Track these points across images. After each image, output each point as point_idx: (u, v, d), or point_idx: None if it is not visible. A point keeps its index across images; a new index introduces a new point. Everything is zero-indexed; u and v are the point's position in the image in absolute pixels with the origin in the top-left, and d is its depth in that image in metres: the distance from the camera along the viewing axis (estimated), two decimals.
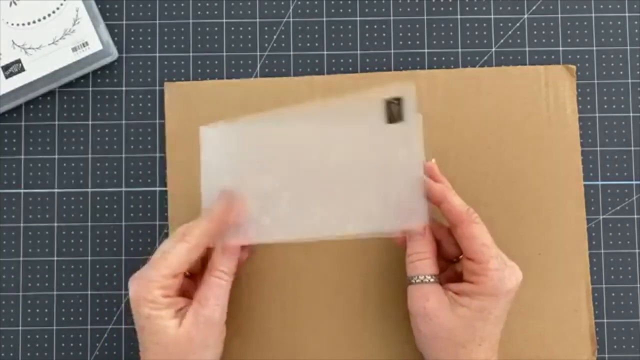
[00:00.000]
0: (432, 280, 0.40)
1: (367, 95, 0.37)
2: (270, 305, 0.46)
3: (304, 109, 0.40)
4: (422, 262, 0.40)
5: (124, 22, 0.49)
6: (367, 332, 0.46)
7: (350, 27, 0.49)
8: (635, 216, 0.48)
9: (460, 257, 0.42)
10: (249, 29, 0.49)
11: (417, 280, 0.40)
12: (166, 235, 0.47)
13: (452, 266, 0.42)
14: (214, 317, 0.39)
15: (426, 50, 0.49)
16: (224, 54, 0.49)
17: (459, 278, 0.41)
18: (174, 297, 0.39)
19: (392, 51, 0.49)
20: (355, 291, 0.46)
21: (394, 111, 0.36)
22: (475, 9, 0.49)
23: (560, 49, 0.49)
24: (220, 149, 0.40)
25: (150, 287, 0.38)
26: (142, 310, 0.38)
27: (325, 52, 0.49)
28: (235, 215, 0.40)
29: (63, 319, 0.47)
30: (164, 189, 0.47)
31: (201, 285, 0.40)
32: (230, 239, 0.40)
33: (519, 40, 0.49)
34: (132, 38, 0.49)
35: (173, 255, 0.38)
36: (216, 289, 0.39)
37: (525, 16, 0.49)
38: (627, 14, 0.49)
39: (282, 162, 0.39)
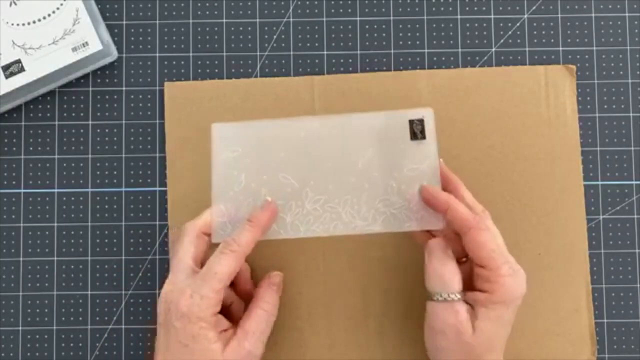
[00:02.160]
0: (457, 297, 0.39)
1: (392, 114, 0.42)
2: None
3: (324, 118, 0.42)
4: (438, 277, 0.39)
5: (124, 22, 0.49)
6: (368, 332, 0.46)
7: (350, 27, 0.49)
8: (635, 216, 0.48)
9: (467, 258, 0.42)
10: (249, 29, 0.49)
11: (440, 298, 0.39)
12: (166, 235, 0.47)
13: (461, 268, 0.41)
14: (255, 353, 0.39)
15: (426, 50, 0.49)
16: (224, 54, 0.49)
17: (466, 278, 0.40)
18: (218, 314, 0.39)
19: (392, 51, 0.49)
20: (355, 291, 0.46)
21: (417, 130, 0.41)
22: (475, 9, 0.49)
23: (560, 49, 0.49)
24: (233, 146, 0.42)
25: (204, 305, 0.37)
26: (190, 328, 0.37)
27: (325, 52, 0.49)
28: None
29: (63, 319, 0.47)
30: (164, 189, 0.47)
31: (248, 315, 0.40)
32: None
33: (519, 40, 0.49)
34: (132, 38, 0.49)
35: (224, 266, 0.38)
36: (263, 324, 0.40)
37: (525, 16, 0.49)
38: (627, 14, 0.49)
39: (303, 163, 0.42)
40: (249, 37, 0.49)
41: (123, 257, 0.47)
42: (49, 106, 0.48)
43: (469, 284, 0.40)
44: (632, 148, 0.48)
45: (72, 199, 0.48)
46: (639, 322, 0.47)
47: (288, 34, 0.49)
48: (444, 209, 0.39)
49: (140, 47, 0.49)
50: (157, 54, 0.49)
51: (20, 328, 0.47)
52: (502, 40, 0.49)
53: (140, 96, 0.48)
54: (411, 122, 0.41)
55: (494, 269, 0.38)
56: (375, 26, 0.49)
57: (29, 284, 0.47)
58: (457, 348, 0.38)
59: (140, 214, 0.47)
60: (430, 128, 0.41)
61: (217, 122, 0.42)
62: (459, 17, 0.49)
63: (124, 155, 0.48)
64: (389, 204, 0.41)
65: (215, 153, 0.42)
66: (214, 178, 0.42)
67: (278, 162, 0.42)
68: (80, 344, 0.47)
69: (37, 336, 0.47)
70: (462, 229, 0.39)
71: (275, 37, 0.49)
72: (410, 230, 0.41)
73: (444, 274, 0.39)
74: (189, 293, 0.38)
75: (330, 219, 0.41)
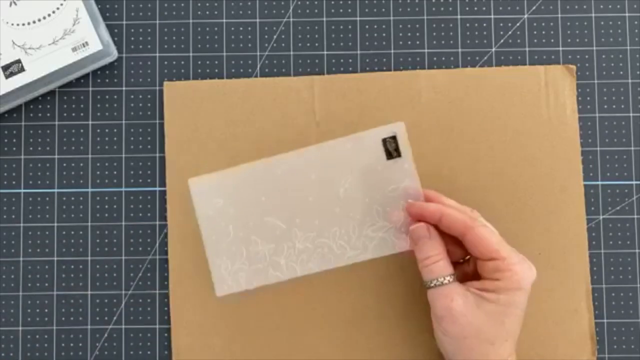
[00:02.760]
0: (451, 280, 0.39)
1: (363, 136, 0.41)
2: (269, 313, 0.46)
3: (297, 154, 0.42)
4: (436, 264, 0.39)
5: (124, 22, 0.49)
6: (367, 331, 0.46)
7: (350, 27, 0.49)
8: (635, 216, 0.48)
9: (467, 257, 0.42)
10: (249, 29, 0.49)
11: (437, 283, 0.39)
12: (166, 236, 0.47)
13: (460, 267, 0.42)
14: None
15: (426, 50, 0.49)
16: (224, 54, 0.49)
17: (470, 278, 0.40)
18: None
19: (392, 51, 0.49)
20: (353, 290, 0.46)
21: (391, 149, 0.41)
22: (475, 9, 0.49)
23: (560, 49, 0.49)
24: (214, 199, 0.42)
25: None
26: None
27: (325, 52, 0.49)
28: None
29: (63, 319, 0.47)
30: (163, 189, 0.47)
31: None
32: (250, 282, 0.42)
33: (519, 40, 0.49)
34: (132, 38, 0.49)
35: None
36: None
37: (525, 16, 0.49)
38: (627, 14, 0.49)
39: (286, 202, 0.42)
40: (249, 37, 0.49)
41: (123, 257, 0.47)
42: (49, 106, 0.48)
43: (474, 279, 0.40)
44: (632, 148, 0.48)
45: (72, 199, 0.48)
46: (639, 322, 0.47)
47: (288, 34, 0.49)
48: (437, 218, 0.39)
49: (140, 47, 0.49)
50: (157, 54, 0.49)
51: (20, 328, 0.47)
52: (502, 40, 0.49)
53: (140, 96, 0.48)
54: (384, 141, 0.41)
55: (503, 258, 0.38)
56: (375, 26, 0.49)
57: (29, 284, 0.47)
58: (466, 331, 0.38)
59: (140, 214, 0.47)
60: (404, 143, 0.41)
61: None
62: (459, 17, 0.49)
63: (124, 155, 0.48)
64: (377, 229, 0.41)
65: (198, 209, 0.42)
66: (203, 234, 0.42)
67: (261, 206, 0.42)
68: (80, 344, 0.47)
69: (37, 336, 0.47)
70: (461, 231, 0.39)
71: (275, 37, 0.49)
72: (403, 250, 0.41)
73: (433, 260, 0.39)
74: None
75: (323, 253, 0.41)
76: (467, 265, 0.42)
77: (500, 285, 0.38)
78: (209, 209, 0.42)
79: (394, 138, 0.41)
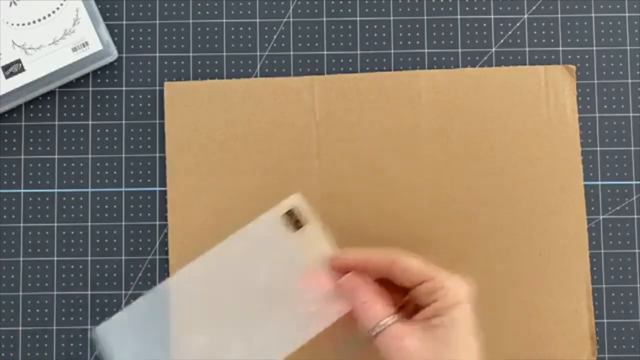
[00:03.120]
0: (394, 320, 0.37)
1: (264, 219, 0.39)
2: None
3: (204, 258, 0.39)
4: (375, 307, 0.37)
5: (124, 22, 0.49)
6: None
7: (350, 27, 0.49)
8: (635, 216, 0.48)
9: (405, 299, 0.39)
10: (249, 29, 0.49)
11: (380, 329, 0.37)
12: (166, 236, 0.47)
13: (401, 312, 0.39)
14: None
15: (426, 50, 0.49)
16: (224, 54, 0.49)
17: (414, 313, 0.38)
18: None
19: (392, 51, 0.49)
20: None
21: (293, 220, 0.39)
22: (475, 9, 0.49)
23: (560, 49, 0.49)
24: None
25: None
26: None
27: (325, 52, 0.49)
28: None
29: (63, 319, 0.47)
30: (164, 189, 0.47)
31: None
32: None
33: (519, 40, 0.49)
34: (132, 38, 0.49)
35: None
36: None
37: (525, 16, 0.49)
38: (627, 14, 0.49)
39: (215, 311, 0.39)
40: (249, 37, 0.49)
41: (123, 257, 0.47)
42: (49, 106, 0.48)
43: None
44: (632, 148, 0.48)
45: (72, 199, 0.48)
46: (639, 322, 0.47)
47: (288, 34, 0.49)
48: (360, 265, 0.38)
49: (140, 47, 0.49)
50: (157, 54, 0.49)
51: (20, 328, 0.47)
52: (502, 40, 0.49)
53: (140, 96, 0.48)
54: (284, 216, 0.39)
55: (432, 277, 0.37)
56: (375, 26, 0.49)
57: (29, 284, 0.47)
58: None
59: (140, 214, 0.47)
60: (305, 211, 0.39)
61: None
62: (459, 17, 0.49)
63: (124, 155, 0.48)
64: (312, 302, 0.39)
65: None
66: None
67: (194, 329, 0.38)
68: (80, 344, 0.47)
69: (37, 336, 0.47)
70: (387, 266, 0.38)
71: (275, 37, 0.49)
72: (346, 312, 0.39)
73: (367, 306, 0.37)
74: None
75: (279, 339, 0.38)
76: (405, 310, 0.39)
77: (438, 306, 0.36)
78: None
79: (291, 211, 0.39)
